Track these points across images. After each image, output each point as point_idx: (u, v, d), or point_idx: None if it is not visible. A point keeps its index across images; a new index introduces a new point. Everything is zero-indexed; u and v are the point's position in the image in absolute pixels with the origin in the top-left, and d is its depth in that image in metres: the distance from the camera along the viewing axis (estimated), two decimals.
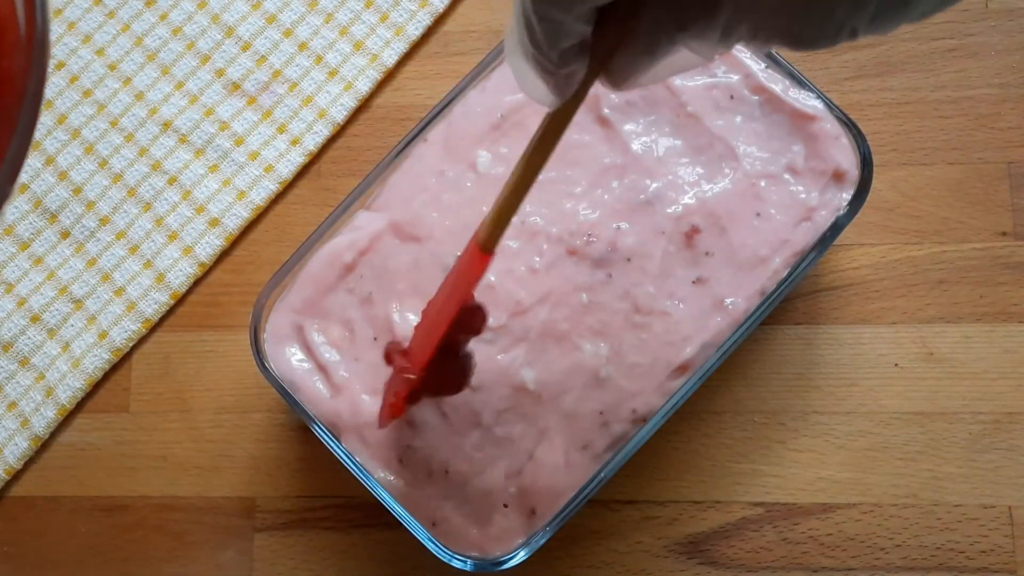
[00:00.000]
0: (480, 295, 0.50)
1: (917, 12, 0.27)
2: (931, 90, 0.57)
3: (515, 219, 0.51)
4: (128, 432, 0.58)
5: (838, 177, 0.50)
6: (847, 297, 0.55)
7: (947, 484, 0.53)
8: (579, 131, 0.52)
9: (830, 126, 0.50)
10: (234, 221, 0.59)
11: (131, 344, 0.58)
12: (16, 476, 0.58)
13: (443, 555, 0.47)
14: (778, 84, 0.51)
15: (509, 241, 0.50)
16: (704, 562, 0.53)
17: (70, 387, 0.58)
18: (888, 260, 0.55)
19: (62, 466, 0.58)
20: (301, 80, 0.61)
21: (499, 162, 0.51)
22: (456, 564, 0.47)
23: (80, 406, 0.58)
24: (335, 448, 0.49)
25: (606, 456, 0.48)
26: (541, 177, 0.53)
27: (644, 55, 0.31)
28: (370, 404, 0.49)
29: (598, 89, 0.52)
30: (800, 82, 0.51)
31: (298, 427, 0.57)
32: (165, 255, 0.59)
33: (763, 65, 0.51)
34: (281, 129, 0.60)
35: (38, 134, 0.61)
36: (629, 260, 0.49)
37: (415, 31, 0.61)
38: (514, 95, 0.52)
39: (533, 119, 0.51)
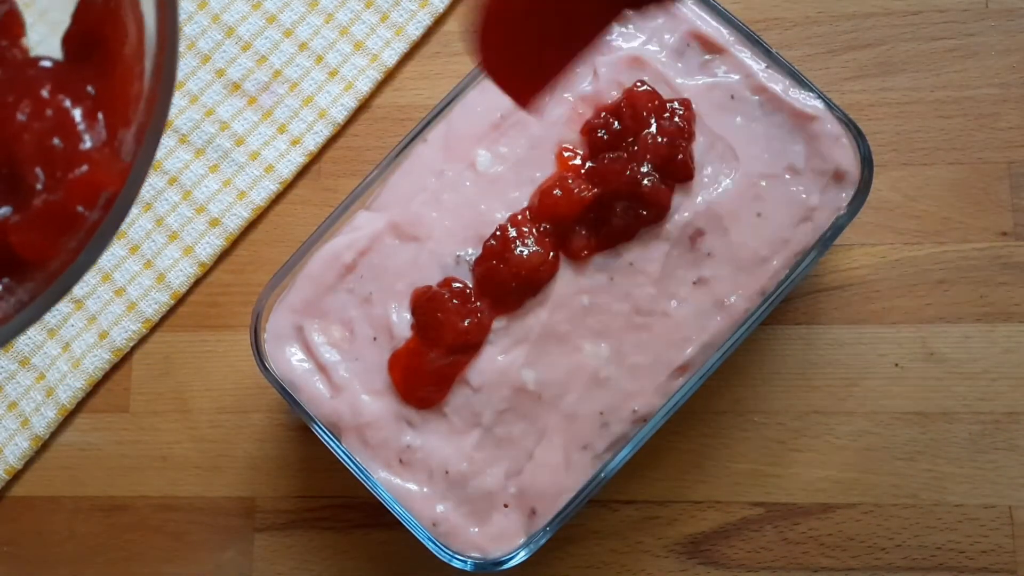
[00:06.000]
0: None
1: None
2: (931, 90, 0.57)
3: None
4: (128, 432, 0.58)
5: (838, 177, 0.50)
6: (847, 297, 0.55)
7: (947, 484, 0.53)
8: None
9: (830, 126, 0.50)
10: (234, 221, 0.59)
11: (131, 344, 0.58)
12: (16, 476, 0.58)
13: (443, 555, 0.47)
14: (778, 84, 0.51)
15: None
16: (704, 562, 0.53)
17: (70, 387, 0.58)
18: (888, 260, 0.55)
19: (62, 466, 0.58)
20: (301, 80, 0.61)
21: (498, 161, 0.51)
22: (456, 564, 0.47)
23: (80, 406, 0.58)
24: (335, 448, 0.49)
25: (606, 456, 0.48)
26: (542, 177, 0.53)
27: None
28: (370, 404, 0.49)
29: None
30: (800, 82, 0.51)
31: (298, 427, 0.57)
32: (165, 255, 0.59)
33: (763, 65, 0.51)
34: (281, 129, 0.60)
35: None
36: (631, 264, 0.49)
37: (415, 31, 0.61)
38: None
39: (533, 119, 0.51)
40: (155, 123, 0.33)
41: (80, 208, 0.33)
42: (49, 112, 0.33)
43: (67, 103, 0.34)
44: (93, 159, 0.33)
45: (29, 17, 0.38)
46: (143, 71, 0.34)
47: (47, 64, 0.35)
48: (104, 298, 0.59)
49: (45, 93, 0.34)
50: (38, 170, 0.33)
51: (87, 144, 0.33)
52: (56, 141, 0.33)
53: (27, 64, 0.36)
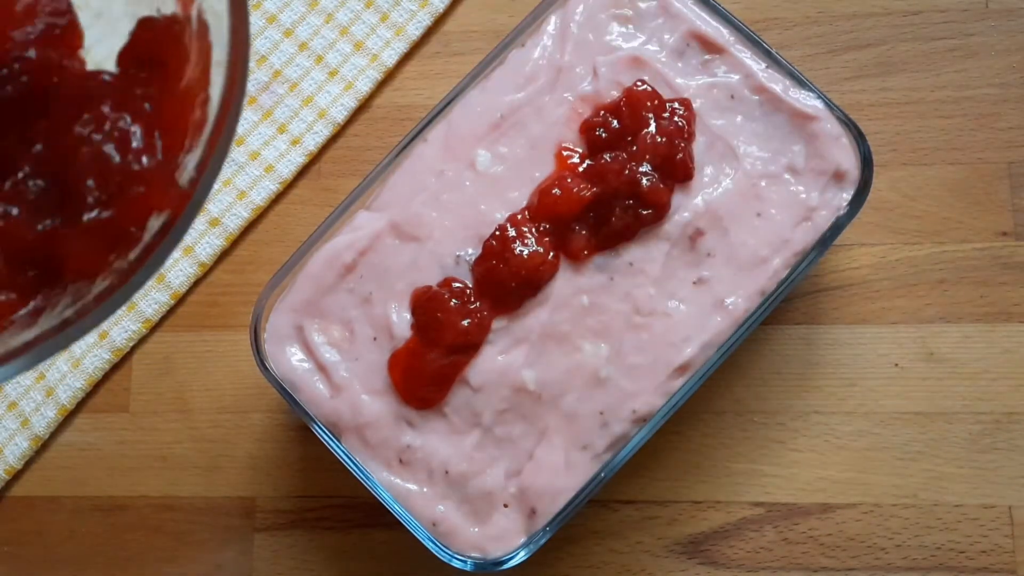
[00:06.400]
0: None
1: None
2: (931, 90, 0.57)
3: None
4: (128, 432, 0.58)
5: (838, 177, 0.50)
6: (847, 297, 0.55)
7: (947, 484, 0.53)
8: None
9: (830, 126, 0.50)
10: (234, 221, 0.59)
11: (131, 344, 0.58)
12: (16, 476, 0.58)
13: (443, 555, 0.47)
14: (778, 84, 0.51)
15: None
16: (704, 562, 0.53)
17: (70, 387, 0.58)
18: (888, 260, 0.55)
19: (62, 466, 0.58)
20: (301, 80, 0.61)
21: (498, 161, 0.51)
22: (456, 564, 0.47)
23: (80, 406, 0.58)
24: (335, 448, 0.49)
25: (606, 456, 0.48)
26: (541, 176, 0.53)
27: None
28: (370, 404, 0.49)
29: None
30: (800, 82, 0.51)
31: (298, 427, 0.57)
32: None
33: (763, 65, 0.51)
34: (281, 129, 0.60)
35: None
36: (631, 264, 0.49)
37: (415, 31, 0.61)
38: (514, 95, 0.52)
39: (533, 119, 0.51)
40: (217, 155, 0.33)
41: (132, 228, 0.33)
42: (107, 127, 0.33)
43: (127, 120, 0.33)
44: (148, 180, 0.33)
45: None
46: (206, 99, 0.34)
47: (106, 78, 0.35)
48: None
49: (106, 109, 0.33)
50: (91, 183, 0.33)
51: (144, 164, 0.33)
52: (114, 157, 0.33)
53: (86, 77, 0.35)
